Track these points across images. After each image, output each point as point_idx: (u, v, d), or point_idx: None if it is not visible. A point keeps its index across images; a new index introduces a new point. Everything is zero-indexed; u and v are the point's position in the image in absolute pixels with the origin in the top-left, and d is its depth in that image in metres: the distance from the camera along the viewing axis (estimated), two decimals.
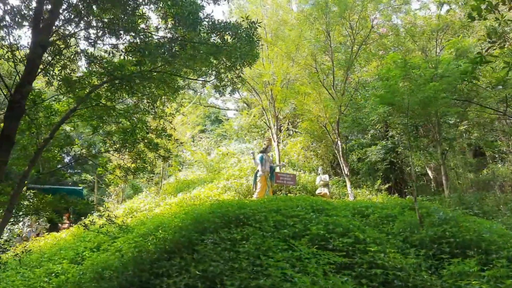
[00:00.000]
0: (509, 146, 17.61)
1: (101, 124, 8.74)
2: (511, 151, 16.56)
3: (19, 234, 17.02)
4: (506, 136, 17.64)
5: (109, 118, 8.79)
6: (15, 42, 7.28)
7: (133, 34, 7.63)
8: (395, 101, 8.77)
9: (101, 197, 23.17)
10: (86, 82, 8.15)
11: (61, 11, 7.56)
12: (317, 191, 15.14)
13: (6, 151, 6.52)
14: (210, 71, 9.20)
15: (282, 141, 21.42)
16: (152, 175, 9.25)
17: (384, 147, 17.45)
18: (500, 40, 6.04)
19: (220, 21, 7.90)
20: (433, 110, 9.25)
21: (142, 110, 9.35)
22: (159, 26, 8.30)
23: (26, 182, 7.12)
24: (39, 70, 7.25)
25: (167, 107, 10.20)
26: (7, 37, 7.14)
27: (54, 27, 7.47)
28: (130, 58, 7.79)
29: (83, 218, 13.42)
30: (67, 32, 8.13)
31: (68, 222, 18.82)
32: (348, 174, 15.42)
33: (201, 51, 7.95)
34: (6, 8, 7.03)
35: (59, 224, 18.25)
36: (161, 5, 7.74)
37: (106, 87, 8.35)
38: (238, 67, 8.77)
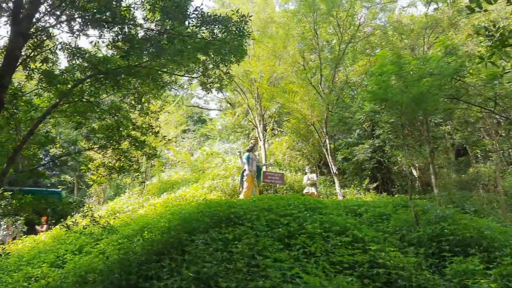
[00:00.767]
0: (493, 145, 17.74)
1: (83, 121, 8.33)
2: (496, 150, 16.67)
3: None
4: (491, 136, 17.78)
5: (92, 114, 8.42)
6: None
7: (120, 26, 7.30)
8: (388, 97, 8.62)
9: (81, 199, 22.52)
10: (69, 77, 7.76)
11: (42, 1, 7.20)
12: (305, 191, 14.94)
13: None
14: (197, 68, 8.89)
15: (267, 140, 21.19)
16: (137, 174, 8.88)
17: (372, 146, 17.38)
18: (497, 34, 5.90)
19: (209, 14, 7.63)
20: (427, 106, 9.14)
21: (127, 106, 9.01)
22: (146, 18, 7.96)
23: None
24: (19, 63, 6.88)
25: (152, 104, 9.85)
26: None
27: (34, 19, 7.10)
28: (117, 51, 7.42)
29: (62, 220, 12.90)
30: (47, 25, 7.72)
31: (46, 224, 18.17)
32: (337, 173, 15.28)
33: (189, 46, 7.66)
34: None
35: (37, 227, 17.62)
36: None
37: (89, 82, 7.98)
38: (227, 63, 8.48)
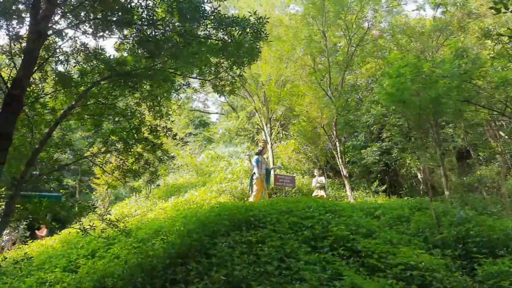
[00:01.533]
0: (497, 147, 17.77)
1: (101, 123, 8.25)
2: (502, 153, 16.69)
3: None
4: (494, 138, 17.79)
5: (108, 117, 8.34)
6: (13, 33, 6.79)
7: (139, 28, 7.26)
8: (405, 98, 8.59)
9: (93, 202, 22.33)
10: (85, 79, 7.69)
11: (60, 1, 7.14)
12: (314, 194, 14.86)
13: (3, 150, 6.03)
14: (209, 70, 8.83)
15: (274, 143, 21.14)
16: (154, 177, 8.82)
17: (380, 149, 17.34)
18: None
19: (227, 15, 7.60)
20: (444, 108, 9.11)
21: (143, 109, 8.95)
22: (163, 19, 7.91)
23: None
24: (36, 65, 6.81)
25: (165, 107, 9.79)
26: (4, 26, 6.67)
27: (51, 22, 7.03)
28: (139, 52, 7.36)
29: (67, 225, 12.75)
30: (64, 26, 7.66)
31: (46, 229, 17.95)
32: (347, 175, 15.22)
33: (203, 49, 7.61)
34: None
35: (37, 232, 17.43)
36: None
37: (106, 84, 7.91)
38: (242, 65, 8.43)
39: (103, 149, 8.22)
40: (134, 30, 7.54)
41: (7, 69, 6.97)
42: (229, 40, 7.71)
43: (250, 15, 7.65)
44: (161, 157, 8.91)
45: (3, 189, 6.81)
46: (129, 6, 7.14)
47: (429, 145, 15.44)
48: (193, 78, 9.95)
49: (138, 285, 6.25)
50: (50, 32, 7.16)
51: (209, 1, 7.38)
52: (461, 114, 12.91)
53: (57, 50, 7.67)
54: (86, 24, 7.63)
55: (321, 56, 16.82)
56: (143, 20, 7.33)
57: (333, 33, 16.66)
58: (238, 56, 7.85)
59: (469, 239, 6.77)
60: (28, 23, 6.70)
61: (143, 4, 7.32)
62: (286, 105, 19.25)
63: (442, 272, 5.46)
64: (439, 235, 7.13)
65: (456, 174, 19.45)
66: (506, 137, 16.92)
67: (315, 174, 15.31)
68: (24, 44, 6.86)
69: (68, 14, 7.41)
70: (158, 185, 16.73)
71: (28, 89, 6.94)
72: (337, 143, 15.63)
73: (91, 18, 7.53)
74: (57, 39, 7.63)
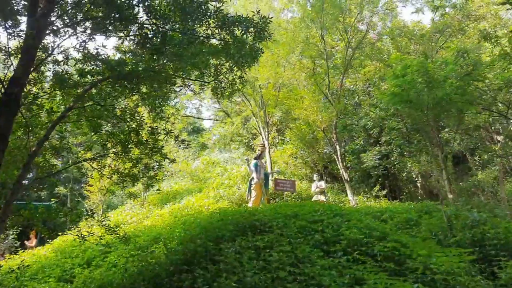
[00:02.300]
0: (495, 151, 17.71)
1: (99, 126, 7.94)
2: (502, 156, 16.59)
3: None
4: (491, 142, 17.74)
5: (107, 119, 8.05)
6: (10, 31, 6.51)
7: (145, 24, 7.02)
8: (412, 98, 8.40)
9: (91, 209, 21.86)
10: (82, 80, 7.40)
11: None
12: (314, 198, 14.59)
13: (0, 152, 5.75)
14: (209, 73, 8.58)
15: (270, 148, 20.92)
16: (153, 181, 8.53)
17: (379, 153, 17.15)
18: None
19: (230, 15, 7.39)
20: (451, 108, 8.96)
21: (142, 110, 8.69)
22: (166, 17, 7.66)
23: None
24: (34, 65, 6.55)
25: (166, 109, 9.52)
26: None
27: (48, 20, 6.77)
28: (142, 50, 7.11)
29: (59, 233, 12.31)
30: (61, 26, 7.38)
31: (35, 239, 17.51)
32: (348, 179, 15.00)
33: (204, 50, 7.36)
34: None
35: (26, 242, 17.00)
36: None
37: (105, 85, 7.63)
38: (243, 67, 8.18)
39: (101, 152, 7.94)
40: (136, 28, 7.30)
41: (3, 68, 6.67)
42: (231, 40, 7.48)
43: (254, 15, 7.44)
44: (161, 160, 8.63)
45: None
46: (130, 3, 6.90)
47: (429, 148, 15.31)
48: (192, 80, 9.72)
49: None
50: (48, 31, 6.91)
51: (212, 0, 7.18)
52: (463, 117, 12.80)
53: (55, 50, 7.39)
54: (86, 23, 7.38)
55: (319, 59, 16.67)
56: (146, 14, 7.09)
57: (331, 36, 16.54)
58: (239, 56, 7.62)
59: (485, 242, 6.55)
60: (26, 20, 6.45)
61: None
62: (283, 109, 19.05)
63: (465, 276, 5.22)
64: (453, 238, 6.90)
65: (453, 179, 19.37)
66: (503, 141, 16.87)
67: (315, 179, 15.05)
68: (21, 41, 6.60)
69: (68, 11, 7.14)
70: (159, 190, 16.35)
71: (24, 89, 6.68)
72: (337, 146, 15.41)
73: (91, 17, 7.27)
74: (55, 38, 7.35)
